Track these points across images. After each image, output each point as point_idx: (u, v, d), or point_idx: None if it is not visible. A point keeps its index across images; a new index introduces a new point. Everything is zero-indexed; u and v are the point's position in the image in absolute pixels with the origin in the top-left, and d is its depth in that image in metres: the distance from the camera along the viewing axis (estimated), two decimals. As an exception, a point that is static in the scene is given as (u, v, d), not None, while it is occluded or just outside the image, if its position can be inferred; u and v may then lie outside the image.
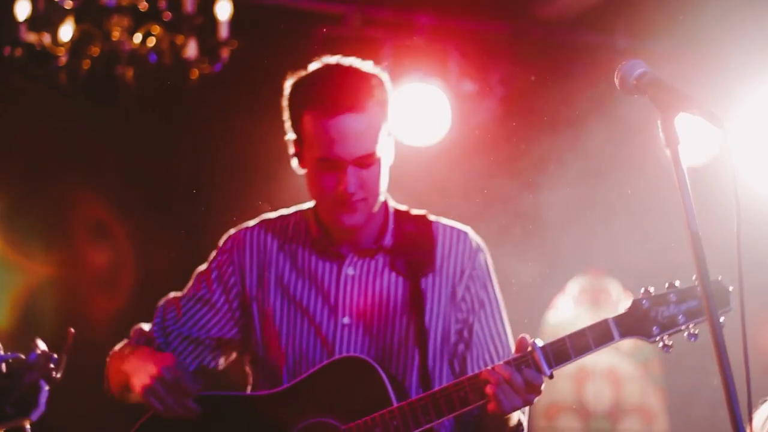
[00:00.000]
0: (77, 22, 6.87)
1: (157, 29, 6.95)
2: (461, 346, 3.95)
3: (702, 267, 2.82)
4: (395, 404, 3.71)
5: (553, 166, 7.64)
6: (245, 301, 3.99)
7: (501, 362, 3.65)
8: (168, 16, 7.00)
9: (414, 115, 7.68)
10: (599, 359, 8.94)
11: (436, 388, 3.75)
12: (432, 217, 4.02)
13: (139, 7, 6.94)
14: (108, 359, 4.07)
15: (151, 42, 6.95)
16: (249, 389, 4.07)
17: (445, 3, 7.82)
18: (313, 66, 3.89)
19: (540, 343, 3.65)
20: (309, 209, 4.03)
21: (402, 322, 3.89)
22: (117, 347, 4.07)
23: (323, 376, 3.80)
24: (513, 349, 3.74)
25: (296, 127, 3.86)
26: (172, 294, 4.12)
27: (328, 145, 3.74)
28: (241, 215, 4.24)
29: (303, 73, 3.89)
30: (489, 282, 3.99)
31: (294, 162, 3.93)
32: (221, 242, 4.07)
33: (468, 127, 7.85)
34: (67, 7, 6.83)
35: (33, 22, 6.83)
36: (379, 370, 3.74)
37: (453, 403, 3.67)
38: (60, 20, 6.85)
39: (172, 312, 4.04)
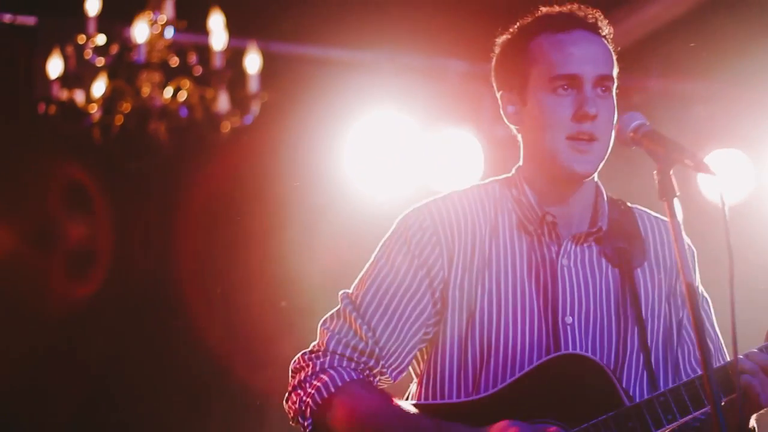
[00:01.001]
0: (109, 78, 6.95)
1: (187, 84, 7.01)
2: (675, 346, 3.55)
3: (698, 319, 2.85)
4: (627, 404, 3.32)
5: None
6: (445, 289, 3.44)
7: (754, 349, 3.32)
8: (198, 70, 7.06)
9: (447, 161, 7.69)
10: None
11: (676, 383, 3.37)
12: (630, 204, 3.65)
13: (170, 62, 7.00)
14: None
15: (182, 97, 7.01)
16: (416, 396, 3.52)
17: (476, 47, 7.81)
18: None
19: None
20: (512, 177, 3.60)
21: (620, 320, 3.48)
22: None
23: (541, 375, 3.35)
24: (723, 348, 3.55)
25: (523, 62, 3.49)
26: (346, 300, 3.49)
27: (565, 60, 3.40)
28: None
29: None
30: (698, 278, 3.56)
31: (509, 114, 3.54)
32: (410, 220, 3.51)
33: (502, 172, 7.82)
34: (99, 65, 6.92)
35: (65, 80, 6.92)
36: (605, 367, 3.35)
37: (699, 398, 3.28)
38: (92, 77, 6.94)
39: (371, 316, 3.44)
